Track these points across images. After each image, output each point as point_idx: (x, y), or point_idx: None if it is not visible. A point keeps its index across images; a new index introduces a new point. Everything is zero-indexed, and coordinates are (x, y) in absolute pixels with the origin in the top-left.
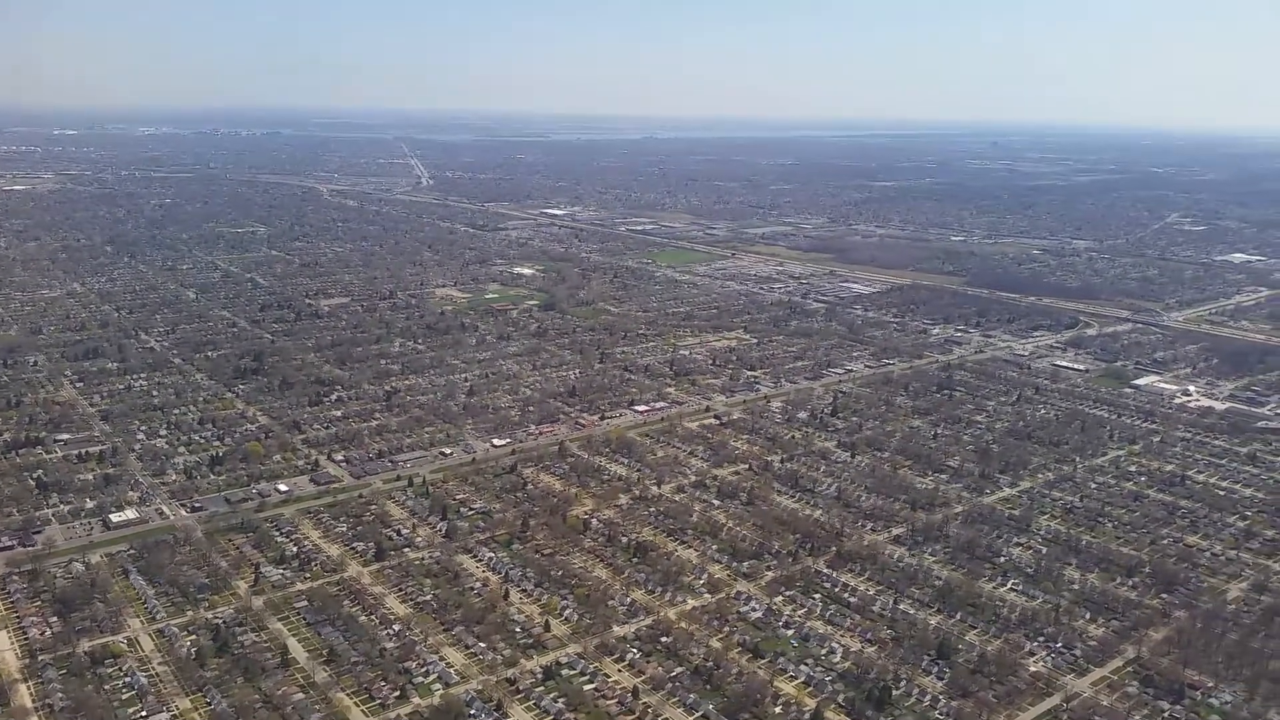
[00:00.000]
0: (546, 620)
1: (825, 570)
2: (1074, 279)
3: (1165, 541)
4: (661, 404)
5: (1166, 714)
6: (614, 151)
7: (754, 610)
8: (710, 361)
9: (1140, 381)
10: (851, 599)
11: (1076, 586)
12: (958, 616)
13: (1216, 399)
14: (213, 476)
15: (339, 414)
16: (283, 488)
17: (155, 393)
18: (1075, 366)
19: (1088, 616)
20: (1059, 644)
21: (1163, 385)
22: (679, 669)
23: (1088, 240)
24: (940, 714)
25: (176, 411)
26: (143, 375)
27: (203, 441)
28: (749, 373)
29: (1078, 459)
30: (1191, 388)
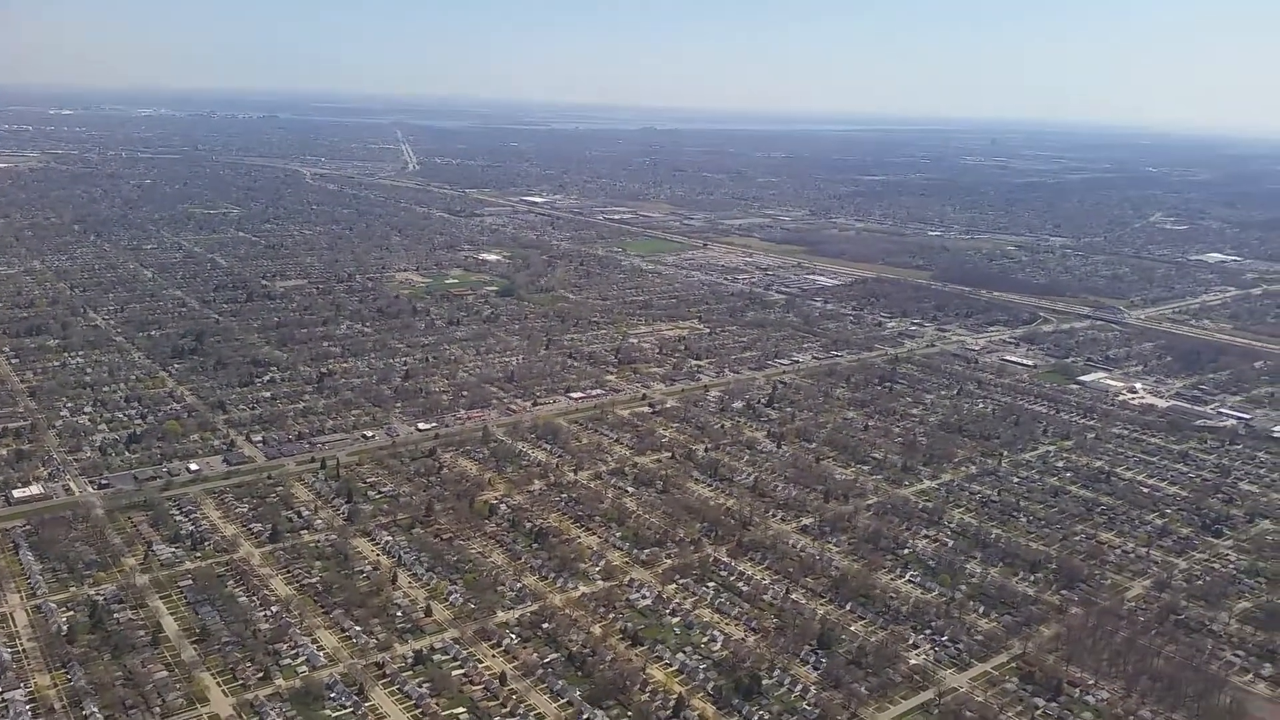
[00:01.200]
0: (428, 605)
1: (725, 559)
2: (1042, 275)
3: (1077, 538)
4: (598, 391)
5: (1040, 711)
6: (609, 142)
7: (644, 598)
8: (657, 350)
9: (1086, 378)
10: (744, 587)
11: (976, 580)
12: (848, 607)
13: (1161, 397)
14: (127, 454)
15: (268, 395)
16: (193, 467)
17: (89, 370)
18: (1023, 362)
19: (980, 611)
20: (945, 637)
21: (1108, 382)
22: (554, 655)
23: (1065, 237)
24: (808, 704)
25: (106, 389)
26: (81, 353)
27: (125, 419)
28: (694, 362)
29: (1005, 453)
30: (1138, 385)
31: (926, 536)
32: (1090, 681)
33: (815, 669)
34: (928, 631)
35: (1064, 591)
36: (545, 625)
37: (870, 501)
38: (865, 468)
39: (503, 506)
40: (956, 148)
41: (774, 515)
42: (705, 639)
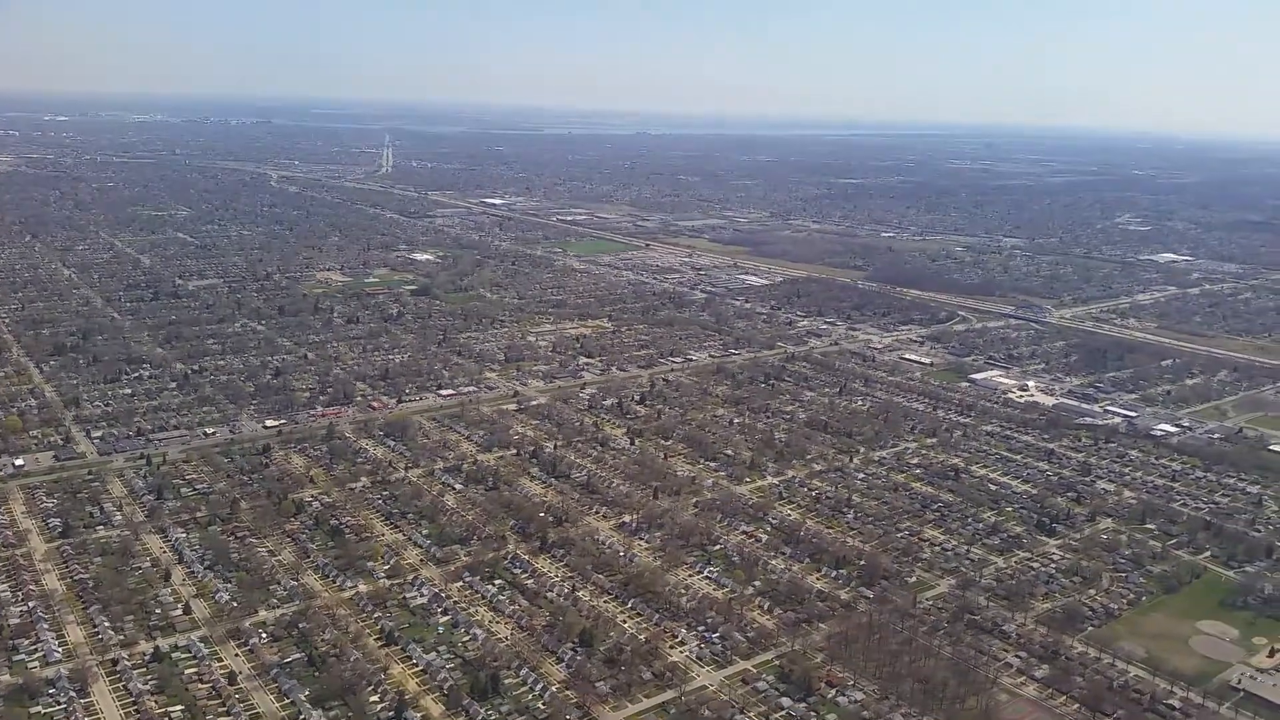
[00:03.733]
0: (189, 603)
1: (524, 556)
2: (979, 275)
3: (900, 534)
4: (471, 388)
5: (785, 711)
6: (597, 146)
7: (419, 596)
8: (551, 348)
9: (978, 376)
10: (531, 585)
11: (774, 577)
12: (629, 604)
13: (1052, 395)
14: None
15: (128, 392)
16: (19, 462)
17: None
18: (920, 360)
19: (765, 607)
20: (716, 635)
21: (1000, 380)
22: (298, 655)
23: (1019, 238)
24: (542, 704)
25: None
26: None
27: None
28: (585, 359)
29: (862, 450)
30: (1030, 383)
31: (744, 533)
32: (850, 682)
33: (569, 667)
34: (701, 629)
35: (862, 589)
36: (302, 625)
37: (701, 498)
38: (713, 464)
39: (315, 504)
40: (949, 152)
41: (597, 512)
42: (466, 638)
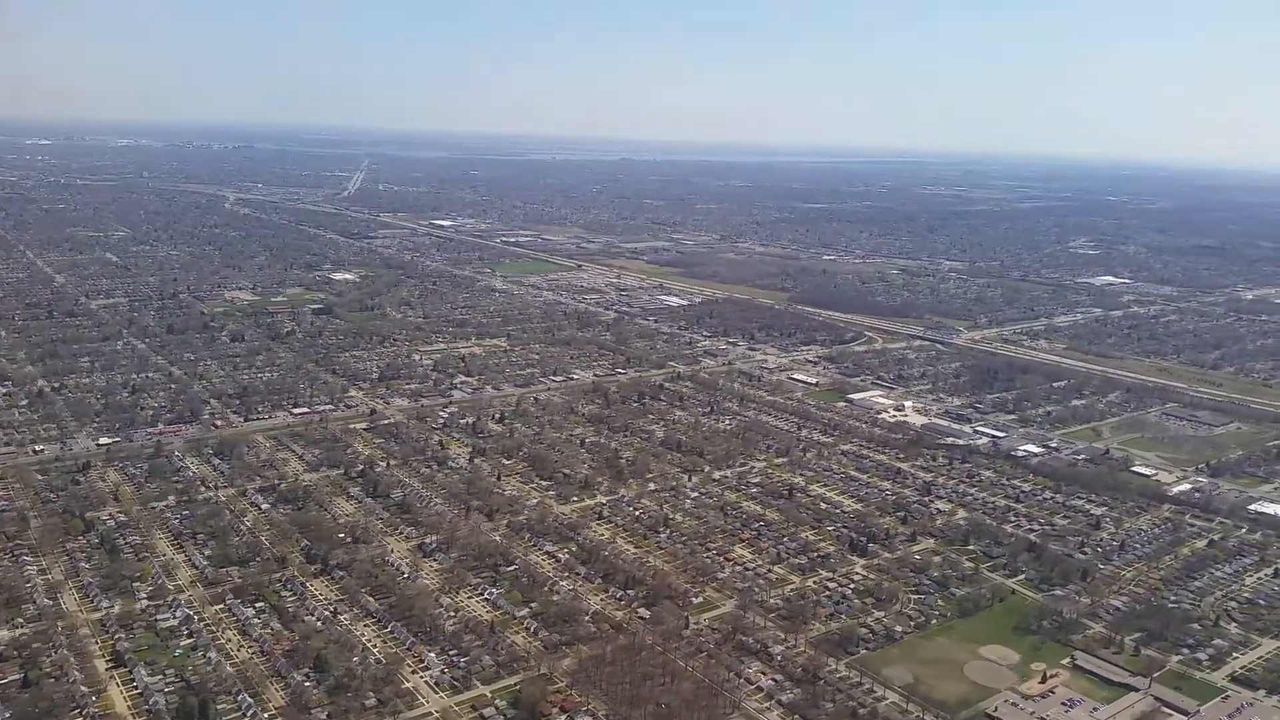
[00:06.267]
0: None
1: (300, 578)
2: (904, 297)
3: (707, 554)
4: (328, 406)
5: None
6: (575, 172)
7: (171, 618)
8: (432, 367)
9: (856, 396)
10: (293, 607)
11: (558, 598)
12: (389, 628)
13: (926, 415)
14: None
15: None
16: None
17: None
18: (806, 380)
19: (532, 630)
20: (465, 658)
21: (877, 399)
22: (16, 675)
23: (960, 261)
24: None
25: None
26: None
27: None
28: (463, 379)
29: (706, 469)
30: (907, 403)
31: (546, 553)
32: (585, 707)
33: (295, 694)
34: (453, 652)
35: (642, 610)
36: (35, 645)
37: (516, 518)
38: (546, 484)
39: (108, 522)
40: (926, 178)
41: (401, 532)
42: (200, 660)
